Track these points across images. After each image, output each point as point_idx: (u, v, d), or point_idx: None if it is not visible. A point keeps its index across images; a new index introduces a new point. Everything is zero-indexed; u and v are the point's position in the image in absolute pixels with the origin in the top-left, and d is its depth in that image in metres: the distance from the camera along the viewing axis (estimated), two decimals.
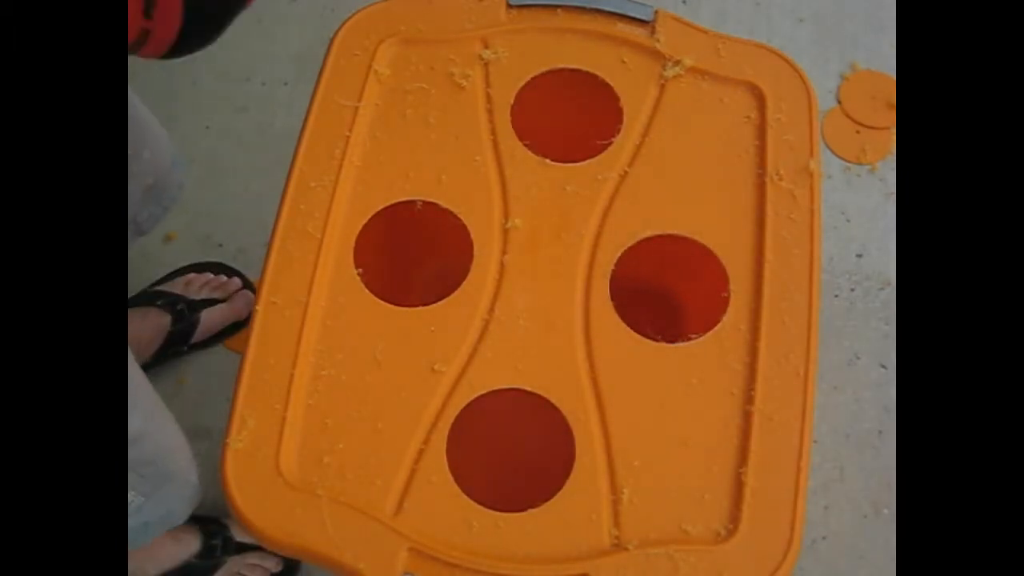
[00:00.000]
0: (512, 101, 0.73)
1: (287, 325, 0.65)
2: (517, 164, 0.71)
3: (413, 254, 0.86)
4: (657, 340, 0.66)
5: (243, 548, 0.90)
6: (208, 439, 1.02)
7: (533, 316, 0.66)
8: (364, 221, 0.69)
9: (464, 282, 0.67)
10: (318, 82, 0.73)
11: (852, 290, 1.07)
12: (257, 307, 0.65)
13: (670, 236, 0.69)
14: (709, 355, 0.65)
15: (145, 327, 0.99)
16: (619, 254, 0.68)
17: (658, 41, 0.74)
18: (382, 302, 0.67)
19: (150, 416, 0.63)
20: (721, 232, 0.68)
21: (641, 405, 0.64)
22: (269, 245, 0.68)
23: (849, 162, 1.14)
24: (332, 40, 0.75)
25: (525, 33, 0.75)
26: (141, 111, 0.77)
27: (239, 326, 1.07)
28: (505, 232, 0.69)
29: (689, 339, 0.66)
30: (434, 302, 0.67)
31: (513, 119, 0.72)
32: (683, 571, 0.58)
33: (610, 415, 0.63)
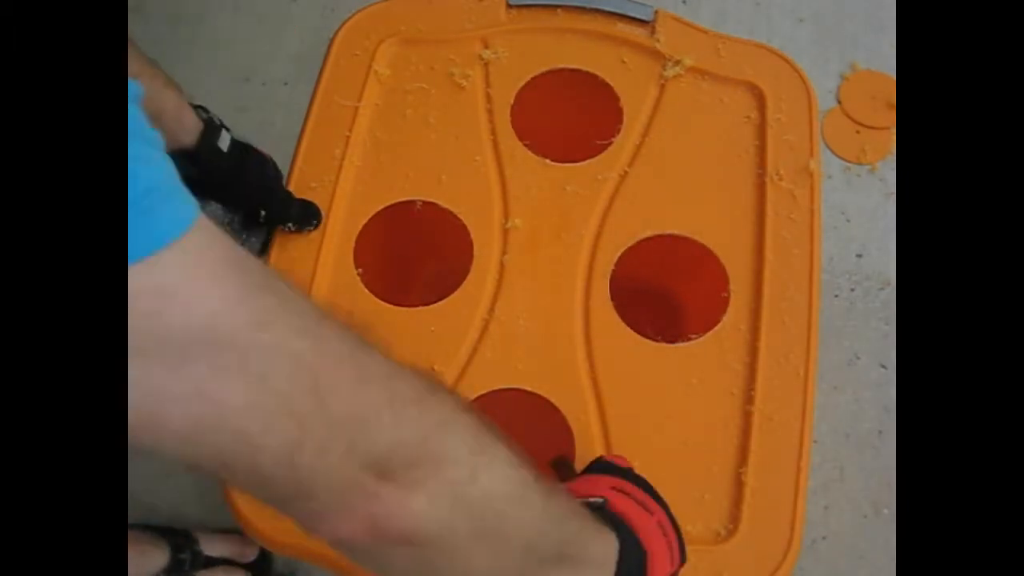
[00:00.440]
0: (512, 101, 0.73)
1: None
2: (517, 164, 0.71)
3: (413, 254, 0.86)
4: (657, 340, 0.66)
5: (211, 562, 0.90)
6: None
7: (533, 316, 0.66)
8: (364, 221, 0.69)
9: (464, 282, 0.67)
10: (318, 82, 0.73)
11: (852, 290, 1.07)
12: None
13: (670, 236, 0.69)
14: (709, 355, 0.65)
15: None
16: (619, 254, 0.68)
17: (658, 41, 0.74)
18: (382, 302, 0.67)
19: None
20: (721, 232, 0.68)
21: (641, 405, 0.64)
22: (269, 245, 0.68)
23: (849, 162, 1.14)
24: (332, 40, 0.75)
25: (525, 33, 0.75)
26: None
27: None
28: (505, 232, 0.69)
29: (689, 339, 0.66)
30: (434, 302, 0.67)
31: (513, 119, 0.72)
32: (683, 571, 0.58)
33: (610, 415, 0.63)
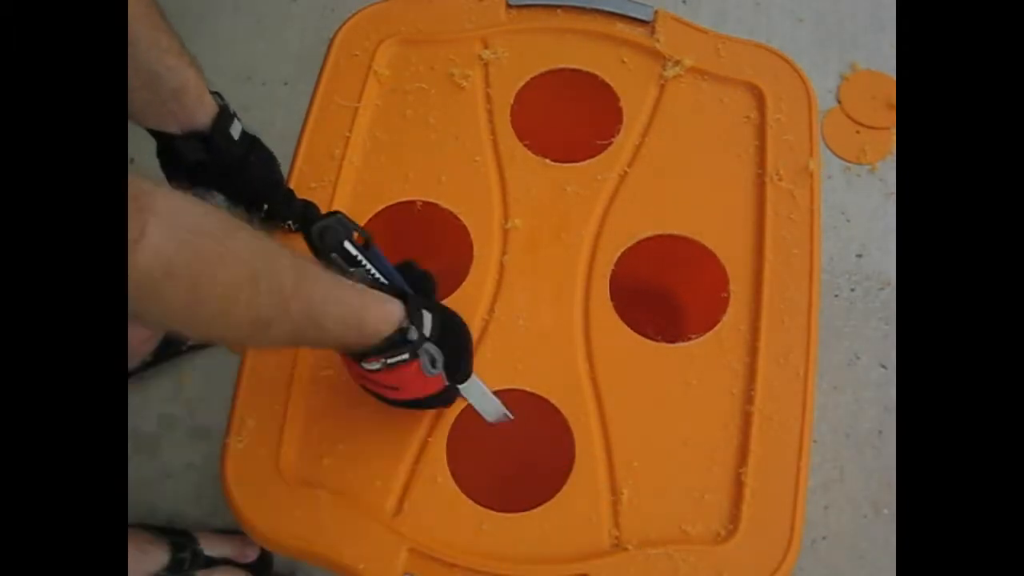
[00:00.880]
0: (512, 101, 0.73)
1: None
2: (517, 164, 0.71)
3: (413, 254, 0.86)
4: (657, 340, 0.66)
5: (211, 562, 0.90)
6: (208, 439, 1.02)
7: (533, 316, 0.66)
8: (364, 221, 0.69)
9: (464, 282, 0.67)
10: (318, 82, 0.73)
11: (852, 290, 1.07)
12: None
13: (670, 236, 0.69)
14: (709, 355, 0.65)
15: (143, 327, 0.99)
16: (619, 254, 0.68)
17: (658, 41, 0.74)
18: None
19: None
20: (721, 232, 0.68)
21: (641, 405, 0.64)
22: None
23: (849, 162, 1.14)
24: (332, 40, 0.75)
25: (525, 33, 0.75)
26: None
27: None
28: (505, 232, 0.69)
29: (689, 339, 0.66)
30: None
31: (513, 119, 0.72)
32: (683, 571, 0.58)
33: (610, 415, 0.63)
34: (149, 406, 1.04)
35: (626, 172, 0.71)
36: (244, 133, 0.66)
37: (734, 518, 0.60)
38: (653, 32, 0.74)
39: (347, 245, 0.54)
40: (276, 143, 0.71)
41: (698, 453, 0.62)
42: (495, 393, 0.62)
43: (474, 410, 0.62)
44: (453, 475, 0.61)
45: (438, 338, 0.56)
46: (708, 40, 0.74)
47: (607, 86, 0.73)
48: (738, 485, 0.61)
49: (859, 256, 1.09)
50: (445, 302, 0.66)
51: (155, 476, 1.00)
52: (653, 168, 0.71)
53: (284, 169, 0.70)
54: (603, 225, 0.69)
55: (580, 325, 0.66)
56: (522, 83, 0.73)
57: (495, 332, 0.65)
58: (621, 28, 0.75)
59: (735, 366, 0.64)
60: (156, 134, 0.63)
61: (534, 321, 0.66)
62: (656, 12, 0.75)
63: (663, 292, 0.92)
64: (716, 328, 0.66)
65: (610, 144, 0.72)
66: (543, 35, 0.75)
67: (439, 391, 0.58)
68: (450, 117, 0.72)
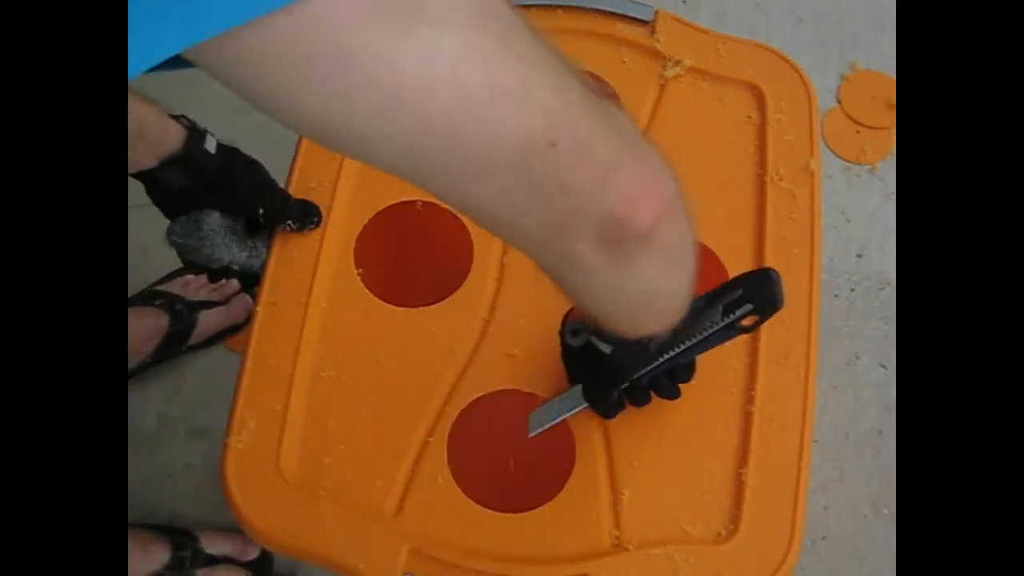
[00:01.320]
0: None
1: (287, 325, 0.65)
2: None
3: (413, 254, 0.86)
4: None
5: (212, 560, 0.90)
6: (208, 439, 1.02)
7: (533, 316, 0.66)
8: (364, 221, 0.69)
9: (464, 282, 0.67)
10: None
11: (852, 290, 1.07)
12: (257, 307, 0.66)
13: None
14: (709, 355, 0.65)
15: (142, 326, 0.99)
16: None
17: (658, 41, 0.74)
18: (382, 302, 0.67)
19: None
20: (721, 232, 0.68)
21: None
22: (269, 245, 0.68)
23: (849, 162, 1.14)
24: None
25: None
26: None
27: (237, 328, 1.07)
28: None
29: None
30: (434, 302, 0.67)
31: None
32: (683, 571, 0.58)
33: None
34: (149, 406, 1.04)
35: None
36: (220, 145, 0.66)
37: (734, 518, 0.60)
38: (653, 32, 0.74)
39: None
40: (276, 143, 0.71)
41: (698, 453, 0.62)
42: (495, 393, 0.62)
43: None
44: (453, 475, 0.61)
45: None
46: (708, 40, 0.74)
47: (607, 86, 0.73)
48: (738, 485, 0.61)
49: (859, 256, 1.09)
50: (445, 302, 0.66)
51: (155, 476, 1.00)
52: None
53: (284, 169, 0.70)
54: None
55: None
56: None
57: (495, 332, 0.65)
58: (621, 28, 0.75)
59: (735, 366, 0.64)
60: (137, 176, 0.63)
61: (534, 321, 0.66)
62: (656, 12, 0.75)
63: None
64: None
65: None
66: (543, 35, 0.75)
67: None
68: None
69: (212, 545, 0.91)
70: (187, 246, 0.63)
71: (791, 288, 0.66)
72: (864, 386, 1.03)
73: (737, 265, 0.67)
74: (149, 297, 1.03)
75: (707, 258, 0.68)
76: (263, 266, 0.67)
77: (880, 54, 1.20)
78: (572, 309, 0.62)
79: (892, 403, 1.02)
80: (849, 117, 1.16)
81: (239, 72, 0.30)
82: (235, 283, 1.08)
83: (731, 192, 0.70)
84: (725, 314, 0.51)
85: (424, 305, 0.66)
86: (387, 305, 0.67)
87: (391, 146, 0.32)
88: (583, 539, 0.60)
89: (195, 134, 0.64)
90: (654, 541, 0.59)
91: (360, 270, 0.68)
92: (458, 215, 0.69)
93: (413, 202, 0.70)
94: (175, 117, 0.64)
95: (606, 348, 0.52)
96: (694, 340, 0.51)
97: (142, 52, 0.29)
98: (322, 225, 0.68)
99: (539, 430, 0.59)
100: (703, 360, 0.65)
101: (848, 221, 1.11)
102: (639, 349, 0.52)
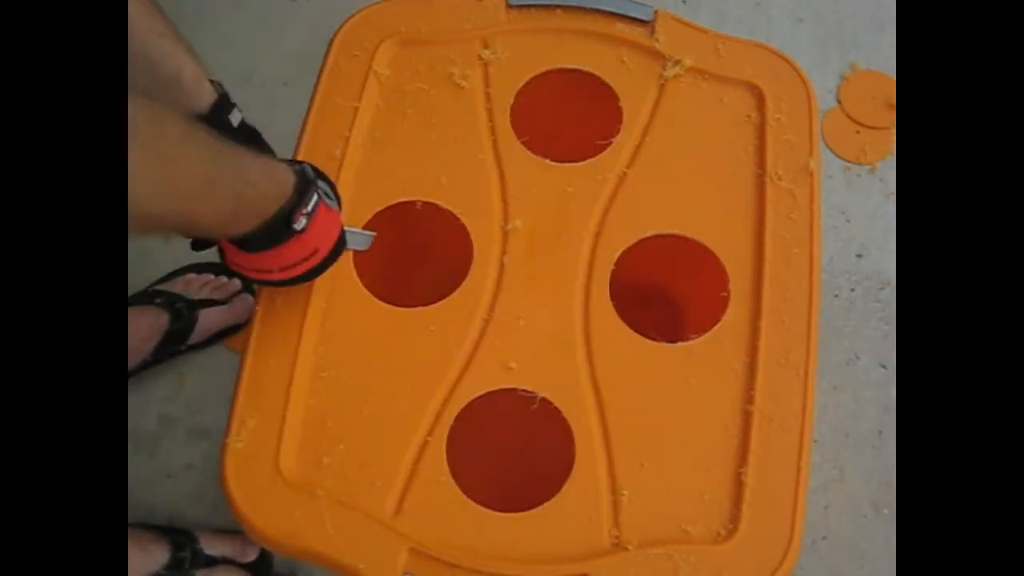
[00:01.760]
0: (512, 101, 0.73)
1: (287, 325, 0.65)
2: (517, 164, 0.71)
3: (413, 254, 0.86)
4: (657, 340, 0.66)
5: (212, 561, 0.90)
6: (208, 439, 1.02)
7: (533, 316, 0.66)
8: (364, 221, 0.69)
9: (464, 282, 0.67)
10: (318, 82, 0.73)
11: (852, 290, 1.07)
12: (257, 307, 0.66)
13: (670, 236, 0.69)
14: (709, 355, 0.65)
15: (142, 324, 0.99)
16: (619, 254, 0.68)
17: (658, 41, 0.74)
18: (382, 302, 0.67)
19: None
20: (721, 232, 0.68)
21: (641, 405, 0.64)
22: None
23: (849, 162, 1.14)
24: (332, 40, 0.74)
25: (525, 33, 0.75)
26: None
27: (237, 328, 1.07)
28: (505, 232, 0.69)
29: (689, 339, 0.66)
30: (434, 302, 0.67)
31: (513, 119, 0.72)
32: (683, 571, 0.58)
33: (610, 415, 0.63)
34: (149, 406, 1.04)
35: (626, 172, 0.71)
36: (244, 123, 0.67)
37: (734, 518, 0.60)
38: (653, 32, 0.74)
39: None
40: (276, 143, 0.71)
41: (698, 453, 0.62)
42: (495, 393, 0.63)
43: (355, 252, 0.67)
44: (453, 475, 0.61)
45: (315, 174, 0.61)
46: (708, 40, 0.74)
47: (607, 86, 0.73)
48: (738, 485, 0.61)
49: (859, 256, 1.09)
50: (445, 302, 0.66)
51: (155, 476, 1.00)
52: (653, 168, 0.71)
53: None
54: (603, 225, 0.69)
55: (580, 325, 0.66)
56: (522, 83, 0.73)
57: (495, 332, 0.65)
58: (621, 28, 0.75)
59: (735, 366, 0.64)
60: None
61: (534, 321, 0.66)
62: (656, 12, 0.75)
63: (663, 292, 0.93)
64: (716, 328, 0.66)
65: (610, 144, 0.72)
66: (543, 35, 0.75)
67: (340, 235, 0.62)
68: (450, 117, 0.72)
69: (211, 546, 0.91)
70: None
71: (791, 288, 0.66)
72: (864, 386, 1.03)
73: (737, 265, 0.67)
74: (149, 296, 1.03)
75: (707, 258, 0.68)
76: None
77: (880, 54, 1.20)
78: None
79: (892, 403, 1.02)
80: (849, 117, 1.16)
81: None
82: (237, 282, 1.08)
83: (731, 192, 0.70)
84: None
85: (423, 305, 0.66)
86: (387, 305, 0.67)
87: None
88: (583, 539, 0.60)
89: (225, 101, 0.65)
90: (654, 541, 0.59)
91: (360, 270, 0.68)
92: (458, 215, 0.69)
93: (413, 202, 0.70)
94: (211, 81, 0.65)
95: None
96: None
97: None
98: None
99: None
100: (703, 360, 0.65)
101: (848, 221, 1.11)
102: None
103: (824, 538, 0.96)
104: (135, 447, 1.01)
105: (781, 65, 0.74)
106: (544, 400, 0.63)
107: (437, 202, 0.70)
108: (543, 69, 0.74)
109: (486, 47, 0.74)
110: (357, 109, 0.72)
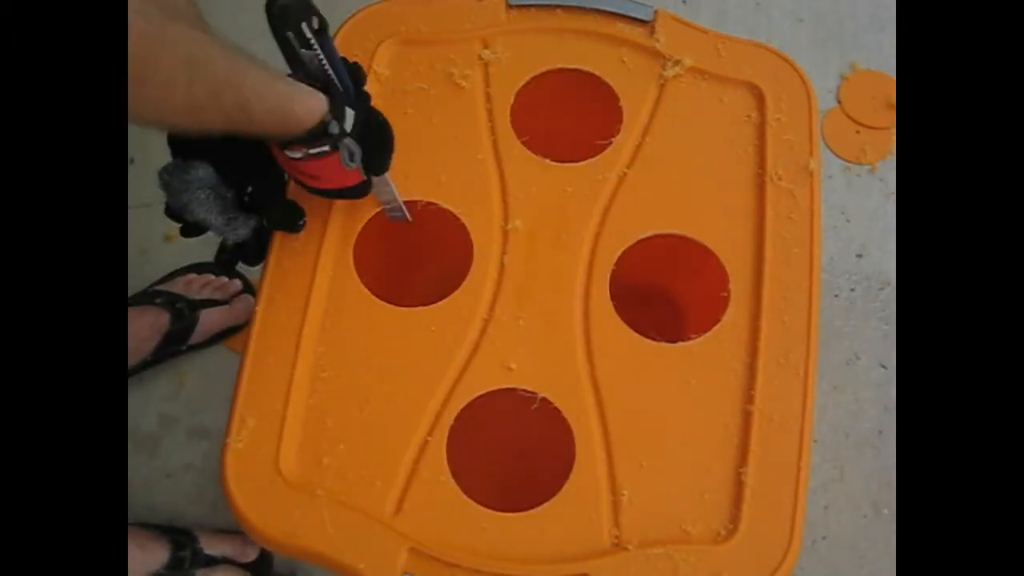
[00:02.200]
0: (512, 101, 0.73)
1: (287, 325, 0.65)
2: (517, 164, 0.71)
3: (413, 254, 0.86)
4: (657, 340, 0.66)
5: (211, 561, 0.90)
6: (208, 439, 1.02)
7: (533, 316, 0.66)
8: (364, 221, 0.69)
9: (464, 282, 0.67)
10: None
11: (852, 290, 1.07)
12: (257, 307, 0.66)
13: (670, 236, 0.69)
14: (709, 355, 0.65)
15: (143, 324, 0.99)
16: (619, 254, 0.68)
17: (658, 41, 0.74)
18: (382, 302, 0.67)
19: None
20: (721, 232, 0.68)
21: (641, 405, 0.64)
22: (269, 245, 0.68)
23: (849, 162, 1.14)
24: (332, 40, 0.74)
25: (525, 33, 0.75)
26: None
27: (238, 329, 1.07)
28: (505, 232, 0.69)
29: (689, 339, 0.66)
30: (434, 302, 0.67)
31: (513, 119, 0.72)
32: (683, 571, 0.58)
33: (610, 415, 0.63)
34: (149, 406, 1.04)
35: (626, 172, 0.71)
36: None
37: (734, 518, 0.60)
38: (653, 32, 0.74)
39: (304, 26, 0.58)
40: None
41: (698, 453, 0.62)
42: (495, 393, 0.63)
43: (386, 216, 0.68)
44: (453, 475, 0.61)
45: (359, 134, 0.60)
46: (708, 40, 0.74)
47: (607, 86, 0.73)
48: (738, 485, 0.61)
49: (859, 256, 1.10)
50: (445, 302, 0.66)
51: (155, 476, 1.00)
52: (653, 168, 0.71)
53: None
54: (603, 225, 0.69)
55: (580, 325, 0.66)
56: (522, 83, 0.73)
57: (495, 332, 0.65)
58: (621, 28, 0.75)
59: (735, 366, 0.64)
60: None
61: (534, 321, 0.66)
62: (656, 12, 0.75)
63: (663, 292, 0.93)
64: (716, 328, 0.66)
65: (610, 144, 0.72)
66: (543, 35, 0.75)
67: (356, 184, 0.63)
68: (450, 117, 0.72)
69: (211, 546, 0.91)
70: (171, 186, 0.63)
71: (791, 288, 0.66)
72: (864, 386, 1.03)
73: (737, 265, 0.67)
74: (150, 296, 1.03)
75: (707, 258, 0.68)
76: (239, 245, 0.67)
77: (880, 54, 1.20)
78: None
79: (892, 403, 1.02)
80: (849, 117, 1.16)
81: None
82: (237, 283, 1.08)
83: (731, 192, 0.70)
84: None
85: (423, 305, 0.66)
86: (387, 305, 0.67)
87: None
88: (583, 539, 0.60)
89: None
90: (654, 541, 0.59)
91: (360, 270, 0.68)
92: (458, 215, 0.69)
93: (413, 202, 0.70)
94: None
95: None
96: None
97: None
98: (322, 225, 0.68)
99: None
100: (703, 360, 0.65)
101: (848, 221, 1.11)
102: None
103: (824, 538, 0.96)
104: (135, 447, 1.01)
105: (781, 65, 0.74)
106: (544, 400, 0.63)
107: (437, 202, 0.70)
108: (543, 69, 0.74)
109: (486, 47, 0.74)
110: None
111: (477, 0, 0.75)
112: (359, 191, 0.65)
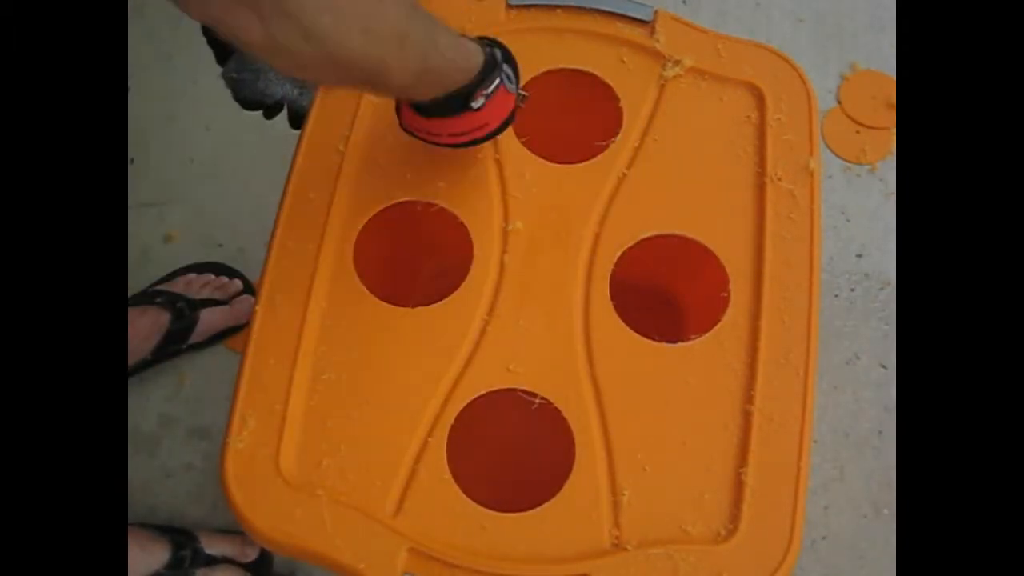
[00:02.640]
0: None
1: (287, 325, 0.65)
2: (517, 164, 0.71)
3: (413, 254, 0.86)
4: (657, 340, 0.66)
5: (212, 561, 0.90)
6: (208, 439, 1.02)
7: (533, 316, 0.66)
8: (364, 221, 0.69)
9: (464, 282, 0.67)
10: None
11: (852, 290, 1.07)
12: (257, 307, 0.66)
13: (670, 236, 0.69)
14: (709, 355, 0.65)
15: (143, 324, 0.99)
16: (619, 254, 0.68)
17: (658, 41, 0.74)
18: (382, 302, 0.67)
19: None
20: (721, 232, 0.68)
21: (641, 405, 0.64)
22: (269, 245, 0.68)
23: (849, 162, 1.14)
24: None
25: (525, 33, 0.75)
26: None
27: (238, 329, 1.07)
28: (505, 233, 0.69)
29: (689, 339, 0.66)
30: (434, 302, 0.67)
31: None
32: (683, 571, 0.58)
33: (610, 415, 0.63)
34: (149, 406, 1.04)
35: (626, 173, 0.71)
36: None
37: (734, 518, 0.60)
38: (653, 32, 0.74)
39: None
40: (276, 143, 0.71)
41: (698, 453, 0.62)
42: (495, 393, 0.63)
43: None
44: (453, 475, 0.61)
45: (503, 54, 0.64)
46: (708, 40, 0.74)
47: (607, 86, 0.73)
48: (738, 485, 0.61)
49: (859, 256, 1.10)
50: (445, 302, 0.66)
51: (155, 476, 1.00)
52: (653, 168, 0.71)
53: (284, 170, 0.70)
54: (603, 225, 0.69)
55: (580, 325, 0.66)
56: (521, 83, 0.73)
57: (495, 332, 0.65)
58: (621, 28, 0.75)
59: (735, 366, 0.64)
60: None
61: (534, 321, 0.66)
62: (656, 12, 0.75)
63: (663, 292, 0.93)
64: (716, 328, 0.66)
65: (610, 144, 0.72)
66: (543, 35, 0.75)
67: (512, 110, 0.65)
68: None
69: (212, 546, 0.91)
70: (242, 80, 0.64)
71: (791, 288, 0.66)
72: (864, 386, 1.03)
73: (737, 265, 0.67)
74: (150, 296, 1.04)
75: (707, 258, 0.68)
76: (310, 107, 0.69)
77: (880, 54, 1.20)
78: None
79: (892, 403, 1.02)
80: (849, 117, 1.16)
81: None
82: (238, 283, 1.08)
83: (731, 192, 0.70)
84: None
85: (423, 305, 0.66)
86: (387, 305, 0.67)
87: None
88: (583, 539, 0.60)
89: None
90: (654, 541, 0.59)
91: (360, 270, 0.68)
92: (458, 216, 0.69)
93: (413, 202, 0.70)
94: None
95: None
96: None
97: None
98: (322, 226, 0.68)
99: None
100: (703, 360, 0.65)
101: (848, 221, 1.11)
102: None
103: (824, 538, 0.96)
104: (135, 447, 1.01)
105: (781, 65, 0.74)
106: (544, 400, 0.63)
107: (437, 202, 0.70)
108: (543, 69, 0.74)
109: None
110: (358, 108, 0.72)
111: (477, 0, 0.75)
112: (513, 117, 0.66)
